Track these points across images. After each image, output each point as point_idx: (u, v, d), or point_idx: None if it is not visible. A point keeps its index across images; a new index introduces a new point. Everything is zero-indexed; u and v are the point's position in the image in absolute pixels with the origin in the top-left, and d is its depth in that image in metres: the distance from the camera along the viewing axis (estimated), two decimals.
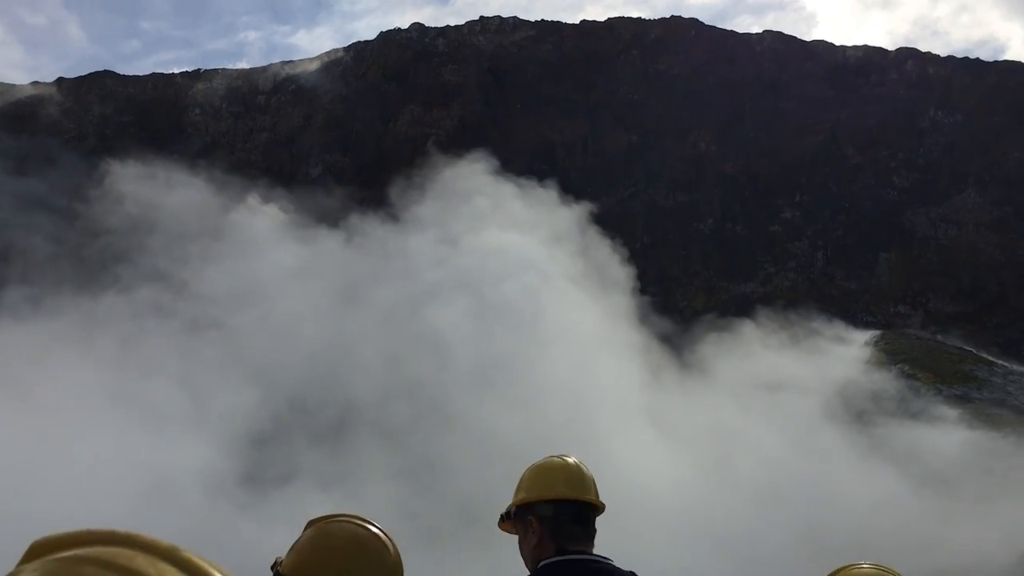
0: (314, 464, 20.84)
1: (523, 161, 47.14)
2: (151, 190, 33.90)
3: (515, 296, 24.51)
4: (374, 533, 2.90)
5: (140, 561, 0.93)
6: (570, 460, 4.01)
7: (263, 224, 28.73)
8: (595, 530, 3.88)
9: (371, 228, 28.64)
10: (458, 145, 45.69)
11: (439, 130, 50.99)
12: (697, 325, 38.44)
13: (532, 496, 3.86)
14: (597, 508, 3.92)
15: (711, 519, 20.30)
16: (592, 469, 4.05)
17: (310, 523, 3.01)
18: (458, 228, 27.57)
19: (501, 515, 3.97)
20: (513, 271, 25.39)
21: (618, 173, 49.05)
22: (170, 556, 0.96)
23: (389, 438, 21.02)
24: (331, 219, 31.57)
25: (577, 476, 3.95)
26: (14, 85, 51.04)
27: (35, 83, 51.83)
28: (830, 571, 4.11)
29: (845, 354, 35.84)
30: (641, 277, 42.92)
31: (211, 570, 0.99)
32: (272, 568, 2.96)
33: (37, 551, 0.97)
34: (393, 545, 2.93)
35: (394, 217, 29.76)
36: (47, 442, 17.13)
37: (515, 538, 4.00)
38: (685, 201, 47.14)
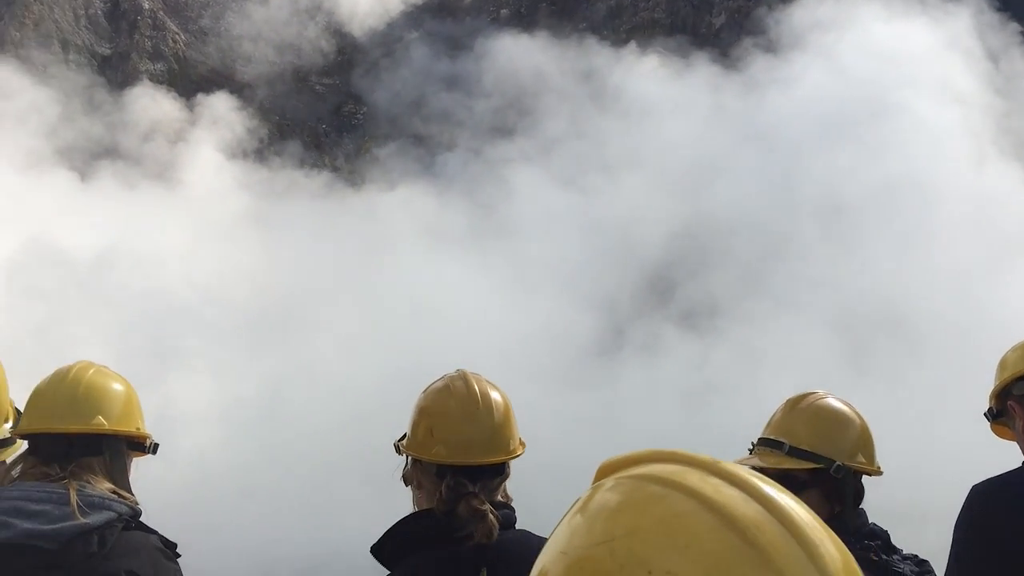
0: (680, 332, 20.40)
1: None
2: (556, 59, 35.56)
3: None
4: (844, 407, 3.28)
5: (691, 477, 1.00)
6: None
7: (649, 83, 28.60)
8: None
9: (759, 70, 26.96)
10: None
11: None
12: None
13: (1006, 376, 3.45)
14: None
15: None
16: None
17: (790, 400, 3.38)
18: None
19: (985, 415, 3.59)
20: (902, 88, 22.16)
21: None
22: (713, 469, 1.02)
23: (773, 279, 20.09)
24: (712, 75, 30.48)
25: None
26: None
27: None
28: None
29: None
30: None
31: (741, 472, 1.03)
32: (762, 440, 3.34)
33: (604, 470, 1.10)
34: (859, 416, 3.32)
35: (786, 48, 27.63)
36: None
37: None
38: None
